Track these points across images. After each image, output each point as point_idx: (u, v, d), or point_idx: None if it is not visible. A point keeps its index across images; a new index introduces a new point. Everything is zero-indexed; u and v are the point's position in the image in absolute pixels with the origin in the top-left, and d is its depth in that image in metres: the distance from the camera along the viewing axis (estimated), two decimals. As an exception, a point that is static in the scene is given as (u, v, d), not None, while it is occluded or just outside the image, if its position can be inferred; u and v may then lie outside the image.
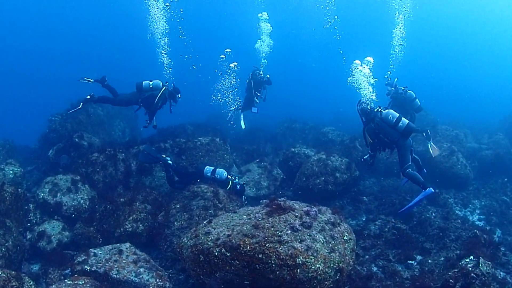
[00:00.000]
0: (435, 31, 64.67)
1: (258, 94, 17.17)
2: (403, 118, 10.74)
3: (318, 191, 12.07)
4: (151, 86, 13.05)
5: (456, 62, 67.50)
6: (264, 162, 14.31)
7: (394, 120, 10.66)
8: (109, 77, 13.08)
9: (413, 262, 8.98)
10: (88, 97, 12.87)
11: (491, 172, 14.74)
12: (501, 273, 8.50)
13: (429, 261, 8.80)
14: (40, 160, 15.54)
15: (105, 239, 10.09)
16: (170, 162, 12.15)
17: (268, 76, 17.18)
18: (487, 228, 10.87)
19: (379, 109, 10.97)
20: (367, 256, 9.16)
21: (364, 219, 11.37)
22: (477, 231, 9.36)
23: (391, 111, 10.87)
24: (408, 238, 9.74)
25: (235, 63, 15.87)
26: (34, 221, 10.69)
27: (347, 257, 6.95)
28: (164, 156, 12.36)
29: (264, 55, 18.53)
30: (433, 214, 11.13)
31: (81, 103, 12.91)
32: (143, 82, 13.08)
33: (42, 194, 11.23)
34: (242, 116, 17.83)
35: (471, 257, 7.65)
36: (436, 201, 11.97)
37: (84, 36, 60.46)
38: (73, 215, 11.08)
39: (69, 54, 59.04)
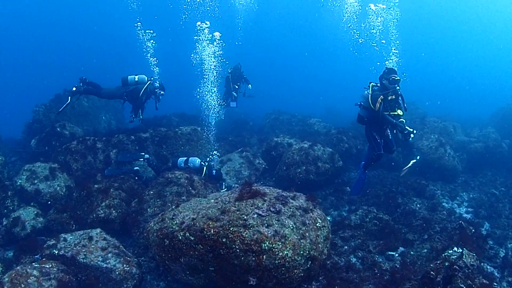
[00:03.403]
0: (428, 27, 64.74)
1: (237, 87, 17.64)
2: (359, 103, 10.66)
3: (299, 180, 11.67)
4: (136, 80, 13.21)
5: (447, 57, 67.60)
6: (246, 151, 13.90)
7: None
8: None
9: (394, 253, 8.59)
10: (74, 89, 13.06)
11: (481, 165, 14.39)
12: (488, 267, 8.19)
13: (412, 252, 8.44)
14: (22, 149, 15.32)
15: (78, 225, 9.92)
16: (138, 168, 12.13)
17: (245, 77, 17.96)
18: (475, 221, 10.48)
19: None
20: (346, 247, 8.76)
21: (346, 210, 11.01)
22: (462, 222, 8.95)
23: (366, 92, 10.55)
24: (390, 229, 9.31)
25: None
26: (11, 208, 10.64)
27: (320, 245, 6.55)
28: (142, 154, 12.37)
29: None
30: (418, 205, 10.82)
31: (69, 97, 13.07)
32: (129, 76, 13.26)
33: (20, 181, 11.16)
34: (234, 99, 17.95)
35: (455, 248, 7.25)
36: (422, 193, 11.62)
37: (72, 27, 60.35)
38: (49, 202, 10.97)
39: (58, 46, 59.01)
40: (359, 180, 11.36)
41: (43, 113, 16.24)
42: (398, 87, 10.20)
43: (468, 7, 64.28)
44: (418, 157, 12.06)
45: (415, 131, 10.24)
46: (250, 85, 18.17)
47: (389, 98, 10.26)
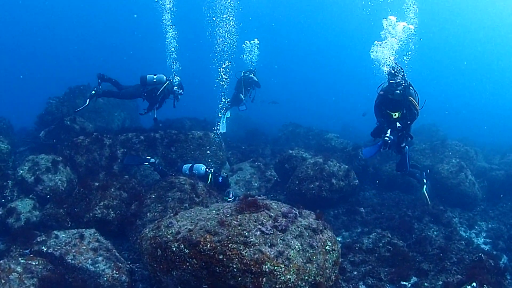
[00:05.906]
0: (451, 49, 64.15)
1: (247, 93, 17.55)
2: None
3: (311, 196, 11.11)
4: (154, 80, 13.16)
5: (470, 83, 66.99)
6: (258, 162, 13.39)
7: None
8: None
9: (406, 283, 7.99)
10: (93, 92, 13.03)
11: (502, 194, 13.67)
12: (507, 305, 7.54)
13: (425, 284, 7.84)
14: (29, 139, 15.21)
15: (74, 223, 9.56)
16: (154, 160, 12.00)
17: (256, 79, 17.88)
18: (494, 253, 9.84)
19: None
20: (355, 272, 8.19)
21: (358, 231, 10.42)
22: (482, 255, 8.32)
23: None
24: (404, 256, 8.69)
25: None
26: (10, 198, 10.43)
27: (327, 271, 5.96)
28: (148, 158, 12.14)
29: None
30: (434, 232, 10.23)
31: (88, 100, 13.02)
32: (147, 75, 13.19)
33: (21, 172, 10.84)
34: (223, 119, 17.50)
35: (474, 284, 6.65)
36: (439, 219, 10.99)
37: (89, 19, 61.00)
38: (48, 196, 10.60)
39: (75, 38, 59.62)
40: (377, 145, 10.89)
41: (56, 106, 16.19)
42: (390, 96, 10.14)
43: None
44: (425, 181, 11.79)
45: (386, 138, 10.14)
46: (257, 76, 18.06)
47: (390, 96, 10.16)
